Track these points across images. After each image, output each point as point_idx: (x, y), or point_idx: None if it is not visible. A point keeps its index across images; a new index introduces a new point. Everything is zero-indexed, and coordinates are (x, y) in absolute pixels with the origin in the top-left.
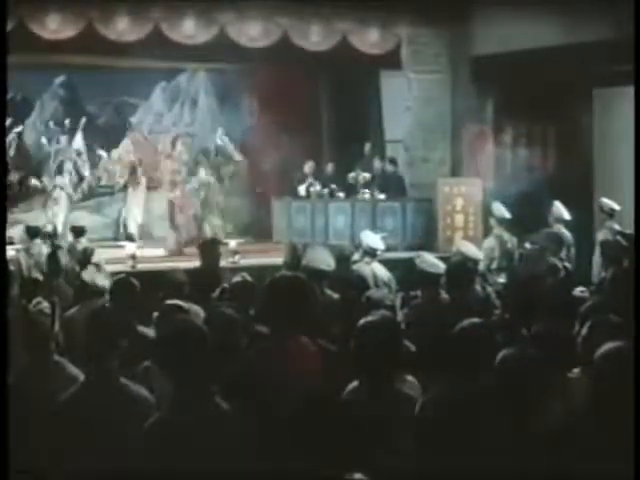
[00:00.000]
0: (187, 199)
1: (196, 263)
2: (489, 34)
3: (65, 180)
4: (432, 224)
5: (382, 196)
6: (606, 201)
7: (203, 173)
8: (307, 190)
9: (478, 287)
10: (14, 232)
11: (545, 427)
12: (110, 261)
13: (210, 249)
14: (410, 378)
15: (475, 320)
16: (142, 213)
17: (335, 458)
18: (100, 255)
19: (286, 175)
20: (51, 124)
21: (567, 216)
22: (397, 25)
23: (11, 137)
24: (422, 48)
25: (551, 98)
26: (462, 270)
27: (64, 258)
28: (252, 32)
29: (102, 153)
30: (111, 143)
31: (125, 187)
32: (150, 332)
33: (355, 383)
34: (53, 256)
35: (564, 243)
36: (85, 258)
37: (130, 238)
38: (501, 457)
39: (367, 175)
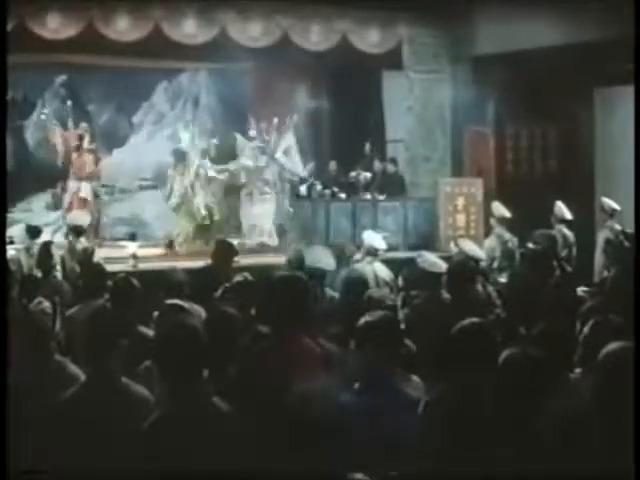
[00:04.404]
0: None
1: (197, 263)
2: (489, 34)
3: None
4: (433, 224)
5: (382, 196)
6: (607, 201)
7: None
8: (308, 190)
9: (479, 287)
10: (14, 231)
11: (547, 427)
12: (111, 260)
13: (226, 250)
14: (412, 377)
15: (475, 319)
16: None
17: (335, 458)
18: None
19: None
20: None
21: (569, 216)
22: (397, 25)
23: None
24: (422, 48)
25: (551, 98)
26: (464, 269)
27: (56, 252)
28: (253, 32)
29: None
30: (113, 143)
31: None
32: (150, 332)
33: (356, 383)
34: (45, 249)
35: (558, 243)
36: (86, 258)
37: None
38: (503, 457)
39: (368, 175)
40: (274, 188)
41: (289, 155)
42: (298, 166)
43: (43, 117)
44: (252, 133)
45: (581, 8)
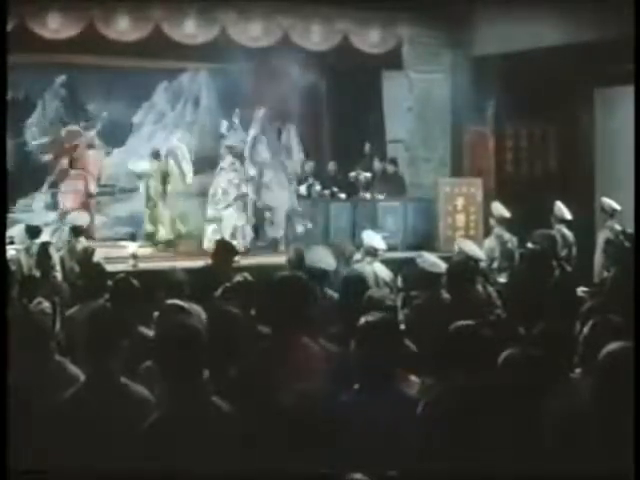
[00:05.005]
0: None
1: (198, 263)
2: (489, 34)
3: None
4: (433, 224)
5: (382, 196)
6: (607, 201)
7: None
8: (308, 190)
9: (479, 287)
10: (14, 231)
11: (547, 427)
12: (111, 260)
13: (226, 249)
14: (411, 378)
15: (470, 322)
16: None
17: (335, 458)
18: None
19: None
20: None
21: (569, 216)
22: (398, 25)
23: None
24: (423, 48)
25: (552, 98)
26: (464, 269)
27: (55, 252)
28: (253, 32)
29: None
30: (113, 143)
31: None
32: (151, 332)
33: (356, 383)
34: (43, 250)
35: (558, 243)
36: (86, 258)
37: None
38: (503, 457)
39: (368, 175)
40: (238, 190)
41: (255, 149)
42: (265, 154)
43: (43, 120)
44: (224, 129)
45: (581, 8)
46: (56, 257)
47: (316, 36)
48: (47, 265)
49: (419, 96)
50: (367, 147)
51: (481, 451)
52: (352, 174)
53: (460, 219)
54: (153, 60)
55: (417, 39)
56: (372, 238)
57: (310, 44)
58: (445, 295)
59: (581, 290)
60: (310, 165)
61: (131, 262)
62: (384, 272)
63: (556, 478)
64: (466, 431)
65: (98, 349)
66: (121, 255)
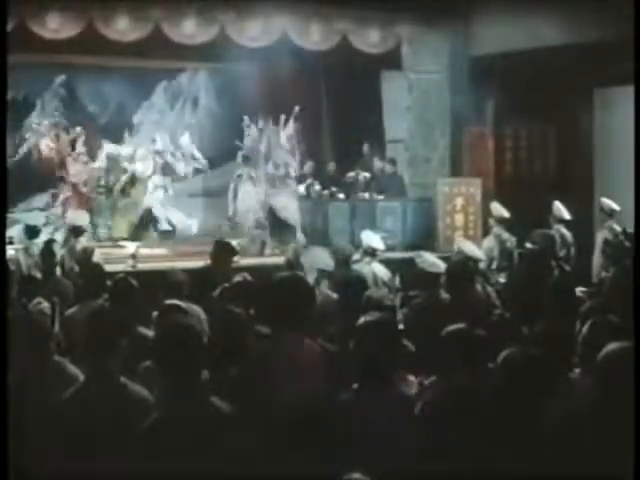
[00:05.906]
0: None
1: (197, 263)
2: (489, 34)
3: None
4: (432, 224)
5: (381, 196)
6: (606, 201)
7: None
8: (307, 190)
9: (478, 287)
10: (14, 231)
11: (546, 427)
12: (110, 260)
13: (225, 250)
14: (410, 378)
15: (463, 325)
16: None
17: (333, 457)
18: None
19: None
20: None
21: (567, 216)
22: (397, 25)
23: None
24: (422, 48)
25: (551, 98)
26: (463, 269)
27: (59, 251)
28: (252, 32)
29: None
30: (113, 143)
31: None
32: (150, 332)
33: (355, 383)
34: (48, 248)
35: (557, 243)
36: (85, 258)
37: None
38: (503, 457)
39: (367, 175)
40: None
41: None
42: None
43: (35, 126)
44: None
45: (581, 8)
46: (58, 256)
47: (315, 36)
48: (51, 264)
49: (418, 96)
50: (366, 147)
51: (481, 451)
52: (351, 174)
53: (459, 219)
54: (153, 60)
55: (417, 39)
56: (371, 238)
57: (309, 44)
58: (444, 295)
59: (580, 290)
60: (309, 165)
61: (130, 262)
62: (383, 272)
63: (556, 478)
64: (465, 431)
65: (97, 349)
66: (120, 255)
